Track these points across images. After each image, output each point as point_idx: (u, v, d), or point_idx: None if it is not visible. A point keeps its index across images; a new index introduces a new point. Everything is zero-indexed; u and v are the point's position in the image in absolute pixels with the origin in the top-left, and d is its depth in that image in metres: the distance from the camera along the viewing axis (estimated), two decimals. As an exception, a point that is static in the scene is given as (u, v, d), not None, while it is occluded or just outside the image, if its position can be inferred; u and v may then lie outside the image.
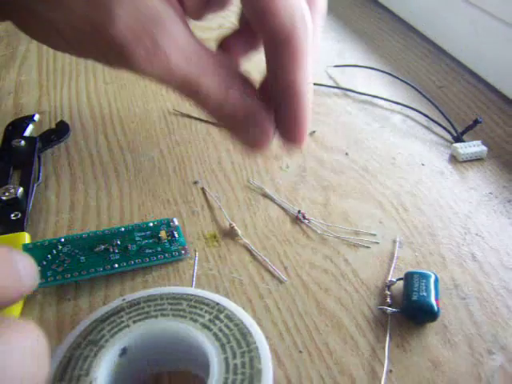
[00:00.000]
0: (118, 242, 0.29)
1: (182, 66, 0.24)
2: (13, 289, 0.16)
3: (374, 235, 0.30)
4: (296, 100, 0.26)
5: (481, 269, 0.28)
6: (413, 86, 0.43)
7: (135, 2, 0.22)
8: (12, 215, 0.31)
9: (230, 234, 0.31)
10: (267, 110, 0.27)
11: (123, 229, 0.30)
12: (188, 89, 0.25)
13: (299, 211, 0.32)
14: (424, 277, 0.26)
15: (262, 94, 0.28)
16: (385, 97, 0.43)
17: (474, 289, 0.27)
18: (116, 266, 0.28)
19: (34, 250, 0.28)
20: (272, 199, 0.33)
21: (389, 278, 0.28)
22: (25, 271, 0.16)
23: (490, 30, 0.43)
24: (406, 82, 0.44)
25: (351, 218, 0.32)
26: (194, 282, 0.28)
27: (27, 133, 0.38)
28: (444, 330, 0.25)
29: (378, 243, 0.30)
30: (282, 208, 0.32)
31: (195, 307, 0.23)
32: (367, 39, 0.54)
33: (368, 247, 0.30)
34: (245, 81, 0.27)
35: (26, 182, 0.33)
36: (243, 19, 0.29)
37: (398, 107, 0.42)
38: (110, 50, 0.23)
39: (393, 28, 0.56)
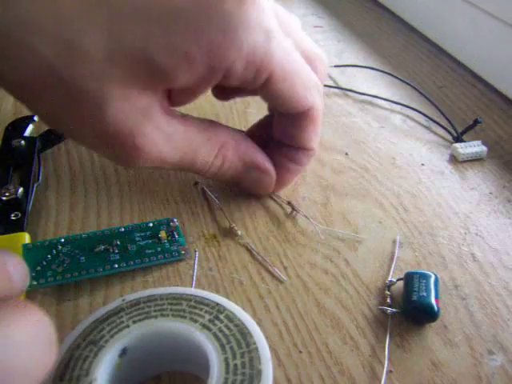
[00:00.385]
0: (118, 243, 0.29)
1: (173, 154, 0.26)
2: (3, 289, 0.16)
3: (372, 235, 0.30)
4: (307, 155, 0.31)
5: (481, 269, 0.28)
6: (413, 86, 0.43)
7: (123, 99, 0.22)
8: (12, 215, 0.31)
9: (229, 234, 0.31)
10: (263, 153, 0.30)
11: (123, 229, 0.30)
12: (184, 168, 0.27)
13: (289, 202, 0.32)
14: (424, 277, 0.26)
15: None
16: (385, 97, 0.43)
17: (474, 289, 0.27)
18: (116, 266, 0.28)
19: (34, 250, 0.28)
20: (272, 199, 0.33)
21: (389, 278, 0.28)
22: (15, 271, 0.17)
23: (490, 30, 0.43)
24: (406, 82, 0.44)
25: (351, 218, 0.32)
26: (193, 282, 0.28)
27: (27, 133, 0.38)
28: (444, 330, 0.25)
29: (377, 243, 0.30)
30: (282, 208, 0.32)
31: (195, 307, 0.23)
32: (367, 39, 0.54)
33: (367, 247, 0.30)
34: (235, 139, 0.29)
35: (25, 182, 0.33)
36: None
37: (398, 107, 0.42)
38: (98, 146, 0.25)
39: (393, 28, 0.56)
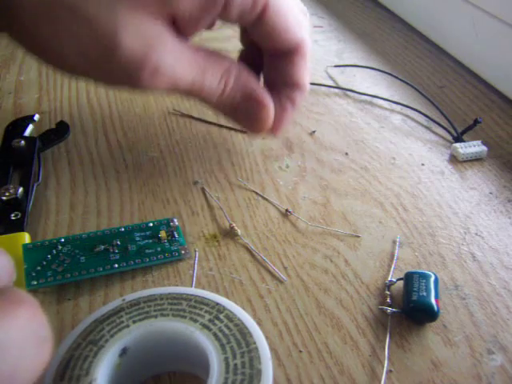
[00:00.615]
0: (118, 242, 0.29)
1: (186, 74, 0.26)
2: None
3: (370, 234, 0.30)
4: (299, 93, 0.31)
5: (481, 269, 0.28)
6: (413, 86, 0.43)
7: (137, 25, 0.24)
8: (12, 215, 0.31)
9: (229, 234, 0.31)
10: (262, 87, 0.31)
11: (123, 229, 0.30)
12: (194, 91, 0.28)
13: (286, 210, 0.32)
14: (424, 277, 0.26)
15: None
16: (385, 97, 0.43)
17: (473, 289, 0.27)
18: (116, 266, 0.28)
19: (34, 250, 0.28)
20: (271, 199, 0.33)
21: (389, 278, 0.28)
22: (0, 266, 0.16)
23: (490, 30, 0.43)
24: (406, 82, 0.44)
25: (351, 218, 0.32)
26: (193, 282, 0.28)
27: (27, 133, 0.38)
28: (444, 330, 0.25)
29: (377, 243, 0.30)
30: (282, 208, 0.32)
31: (195, 307, 0.23)
32: (367, 39, 0.54)
33: (367, 247, 0.30)
34: (236, 66, 0.29)
35: (25, 182, 0.33)
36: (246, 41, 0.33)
37: (398, 107, 0.42)
38: (118, 74, 0.25)
39: (393, 28, 0.56)
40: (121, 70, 0.25)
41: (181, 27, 0.26)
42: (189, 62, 0.26)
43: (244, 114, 0.30)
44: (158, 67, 0.25)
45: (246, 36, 0.33)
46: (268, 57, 0.32)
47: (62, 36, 0.23)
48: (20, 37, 0.25)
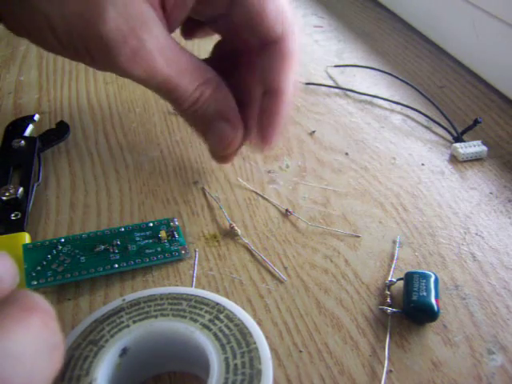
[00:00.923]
0: (118, 242, 0.29)
1: (164, 67, 0.26)
2: None
3: (371, 234, 0.30)
4: (280, 98, 0.28)
5: (481, 269, 0.28)
6: (413, 86, 0.43)
7: (125, 3, 0.23)
8: (12, 215, 0.31)
9: (229, 234, 0.31)
10: (237, 108, 0.29)
11: (123, 229, 0.30)
12: (167, 89, 0.27)
13: (286, 210, 0.32)
14: (424, 277, 0.26)
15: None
16: (385, 97, 0.43)
17: (474, 289, 0.27)
18: (116, 265, 0.28)
19: (34, 250, 0.28)
20: (271, 199, 0.33)
21: (389, 278, 0.28)
22: (3, 270, 0.16)
23: (490, 30, 0.43)
24: (406, 82, 0.44)
25: (351, 218, 0.32)
26: (193, 282, 0.28)
27: (27, 133, 0.38)
28: (444, 330, 0.25)
29: (377, 243, 0.30)
30: (282, 208, 0.32)
31: (195, 307, 0.23)
32: (367, 39, 0.54)
33: (367, 247, 0.30)
34: (217, 80, 0.28)
35: (25, 182, 0.33)
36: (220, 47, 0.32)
37: (398, 107, 0.42)
38: (98, 48, 0.24)
39: (393, 28, 0.56)
40: (100, 46, 0.24)
41: (169, 11, 0.25)
42: (170, 56, 0.26)
43: (212, 132, 0.29)
44: (139, 49, 0.24)
45: (218, 46, 0.32)
46: (244, 59, 0.30)
47: (48, 3, 0.23)
48: (4, 8, 0.24)
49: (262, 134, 0.29)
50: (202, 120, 0.29)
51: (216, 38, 0.33)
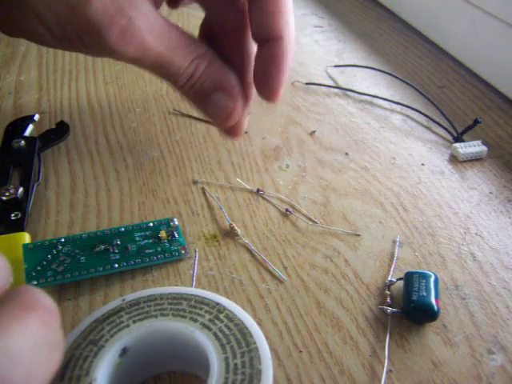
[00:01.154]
0: (118, 242, 0.29)
1: (156, 44, 0.25)
2: None
3: (371, 234, 0.30)
4: (284, 43, 0.28)
5: (481, 269, 0.28)
6: (413, 86, 0.43)
7: None
8: (12, 215, 0.31)
9: (229, 234, 0.31)
10: (234, 78, 0.29)
11: (123, 229, 0.30)
12: (161, 67, 0.27)
13: (286, 210, 0.32)
14: (424, 277, 0.26)
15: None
16: (385, 97, 0.43)
17: (473, 289, 0.27)
18: (116, 265, 0.28)
19: (34, 250, 0.28)
20: (271, 199, 0.33)
21: (389, 278, 0.28)
22: None
23: (490, 29, 0.43)
24: (406, 82, 0.44)
25: (351, 218, 0.32)
26: (193, 282, 0.28)
27: (27, 133, 0.38)
28: (444, 330, 0.25)
29: (377, 243, 0.30)
30: (282, 208, 0.32)
31: (195, 307, 0.23)
32: (367, 39, 0.54)
33: (367, 247, 0.30)
34: (210, 54, 0.28)
35: (26, 182, 0.33)
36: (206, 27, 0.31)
37: (398, 107, 0.42)
38: (88, 32, 0.24)
39: (393, 28, 0.56)
40: (89, 29, 0.24)
41: None
42: (161, 33, 0.25)
43: (211, 104, 0.29)
44: (128, 28, 0.24)
45: (204, 24, 0.31)
46: (232, 17, 0.29)
47: None
48: None
49: (268, 85, 0.29)
50: (199, 94, 0.29)
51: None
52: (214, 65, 0.28)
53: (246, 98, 0.30)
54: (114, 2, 0.23)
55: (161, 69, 0.27)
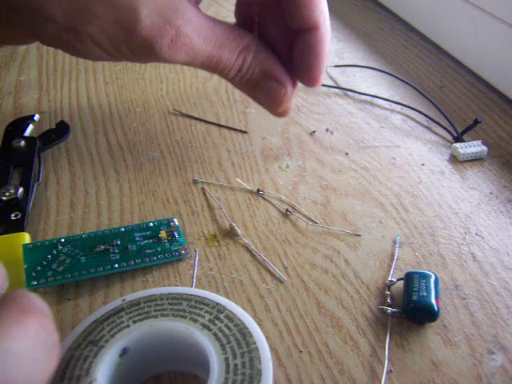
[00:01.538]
0: (118, 242, 0.29)
1: (204, 45, 0.27)
2: None
3: (370, 234, 0.30)
4: (321, 32, 0.29)
5: (481, 269, 0.28)
6: (413, 86, 0.43)
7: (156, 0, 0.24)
8: (12, 215, 0.31)
9: (229, 234, 0.31)
10: (281, 64, 0.30)
11: (123, 229, 0.30)
12: (211, 64, 0.28)
13: (286, 210, 0.32)
14: (424, 277, 0.26)
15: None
16: (385, 97, 0.43)
17: (473, 289, 0.27)
18: (116, 265, 0.28)
19: (34, 250, 0.28)
20: (271, 199, 0.33)
21: (389, 278, 0.28)
22: None
23: (490, 30, 0.43)
24: (406, 82, 0.44)
25: (351, 218, 0.32)
26: (194, 282, 0.28)
27: (27, 133, 0.38)
28: (444, 330, 0.25)
29: (377, 243, 0.30)
30: (282, 208, 0.32)
31: (195, 307, 0.23)
32: (367, 39, 0.54)
33: (367, 247, 0.30)
34: (255, 43, 0.29)
35: (25, 182, 0.33)
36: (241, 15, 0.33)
37: (398, 107, 0.42)
38: (141, 48, 0.26)
39: (393, 28, 0.56)
40: (142, 45, 0.25)
41: None
42: (207, 33, 0.27)
43: (262, 92, 0.30)
44: (177, 38, 0.25)
45: (241, 9, 0.33)
46: (266, 10, 0.30)
47: (90, 22, 0.24)
48: (47, 36, 0.26)
49: (310, 74, 0.30)
50: (250, 84, 0.30)
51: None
52: (260, 54, 0.29)
53: (294, 82, 0.31)
54: (160, 14, 0.25)
55: (211, 66, 0.28)
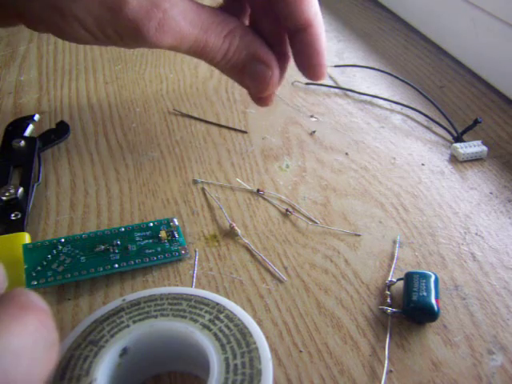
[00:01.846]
0: (118, 242, 0.29)
1: (191, 29, 0.27)
2: None
3: (371, 234, 0.30)
4: (315, 31, 0.30)
5: (481, 269, 0.28)
6: (413, 86, 0.43)
7: None
8: (12, 215, 0.31)
9: (229, 234, 0.31)
10: (267, 48, 0.30)
11: (123, 229, 0.30)
12: (197, 49, 0.28)
13: (286, 210, 0.32)
14: (424, 277, 0.26)
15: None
16: (385, 97, 0.43)
17: (473, 289, 0.27)
18: (116, 265, 0.28)
19: (34, 250, 0.28)
20: (271, 199, 0.33)
21: (389, 278, 0.28)
22: None
23: (490, 29, 0.43)
24: (406, 82, 0.44)
25: (351, 218, 0.32)
26: (193, 282, 0.28)
27: (27, 133, 0.38)
28: (444, 330, 0.25)
29: (377, 243, 0.30)
30: (282, 208, 0.32)
31: (195, 307, 0.23)
32: (367, 39, 0.54)
33: (367, 247, 0.30)
34: (242, 27, 0.29)
35: (25, 182, 0.33)
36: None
37: (398, 107, 0.42)
38: (127, 30, 0.26)
39: (393, 28, 0.56)
40: (128, 27, 0.25)
41: None
42: (193, 17, 0.27)
43: (249, 75, 0.30)
44: (164, 21, 0.25)
45: None
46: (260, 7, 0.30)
47: (74, 3, 0.24)
48: (33, 15, 0.25)
49: (314, 69, 0.31)
50: (237, 68, 0.30)
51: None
52: (247, 37, 0.29)
53: (281, 68, 0.31)
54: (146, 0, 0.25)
55: (197, 51, 0.28)
